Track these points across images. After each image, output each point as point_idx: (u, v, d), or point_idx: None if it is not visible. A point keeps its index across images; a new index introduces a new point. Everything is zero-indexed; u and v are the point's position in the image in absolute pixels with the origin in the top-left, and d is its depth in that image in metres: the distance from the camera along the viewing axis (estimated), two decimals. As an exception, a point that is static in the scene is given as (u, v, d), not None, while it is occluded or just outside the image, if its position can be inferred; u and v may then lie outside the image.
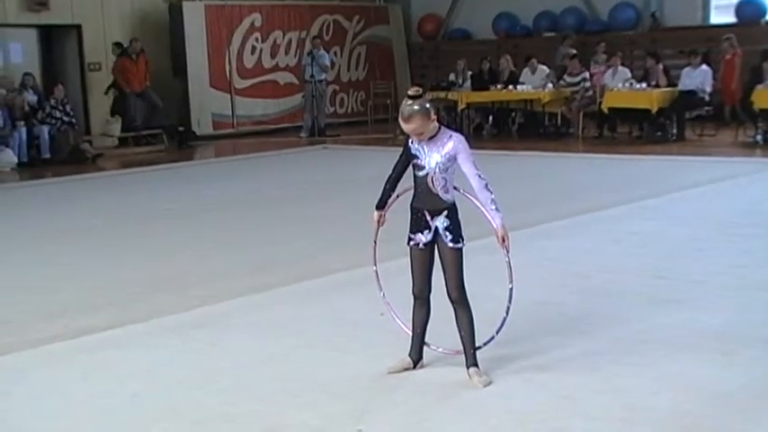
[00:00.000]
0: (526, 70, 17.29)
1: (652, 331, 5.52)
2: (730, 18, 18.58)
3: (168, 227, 9.78)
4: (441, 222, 4.77)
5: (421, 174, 4.76)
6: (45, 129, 15.60)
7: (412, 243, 4.85)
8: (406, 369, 4.96)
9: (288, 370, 5.10)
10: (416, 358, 5.00)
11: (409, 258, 4.90)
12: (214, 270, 7.55)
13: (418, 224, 4.82)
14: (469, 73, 18.28)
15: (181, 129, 17.91)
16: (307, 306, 6.40)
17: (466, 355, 4.82)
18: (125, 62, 17.34)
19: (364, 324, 5.81)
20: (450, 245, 4.76)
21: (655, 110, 15.13)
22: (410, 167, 4.84)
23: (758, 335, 5.41)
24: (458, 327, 4.84)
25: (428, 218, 4.78)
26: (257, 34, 19.72)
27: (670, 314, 5.86)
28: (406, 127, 4.70)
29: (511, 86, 16.90)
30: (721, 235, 8.21)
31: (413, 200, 4.86)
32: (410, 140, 4.79)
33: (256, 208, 10.73)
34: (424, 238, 4.80)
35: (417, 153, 4.76)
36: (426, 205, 4.78)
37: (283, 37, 20.18)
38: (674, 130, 15.54)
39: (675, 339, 5.36)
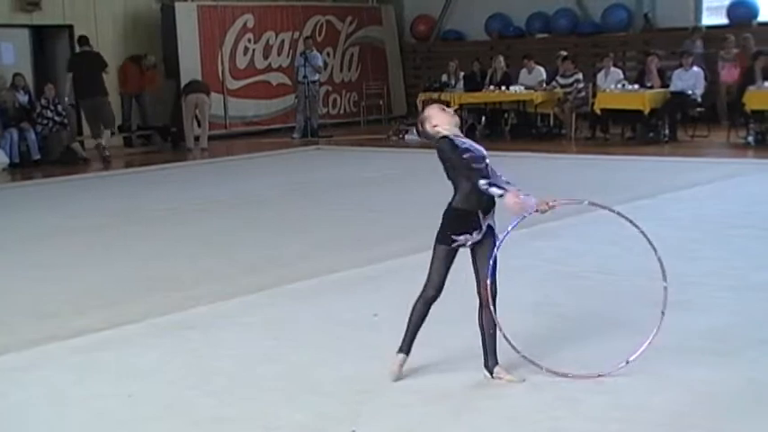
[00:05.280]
0: (524, 70, 17.30)
1: (648, 332, 5.51)
2: (722, 19, 18.60)
3: (161, 227, 9.75)
4: (492, 220, 4.70)
5: (482, 165, 4.65)
6: (32, 130, 15.40)
7: (455, 244, 4.67)
8: (401, 366, 4.84)
9: (282, 370, 5.09)
10: (407, 350, 4.85)
11: (439, 258, 4.70)
12: (207, 271, 7.54)
13: (466, 224, 4.66)
14: (462, 74, 18.29)
15: (173, 130, 17.86)
16: (300, 307, 6.39)
17: (488, 355, 4.77)
18: (131, 68, 17.40)
19: (358, 325, 5.80)
20: (496, 239, 4.69)
21: (647, 111, 15.15)
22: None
23: (755, 336, 5.42)
24: (482, 326, 4.75)
25: (480, 218, 4.69)
26: (250, 35, 19.67)
27: (666, 315, 5.84)
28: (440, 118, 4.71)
29: (503, 87, 16.90)
30: (716, 236, 8.23)
31: (459, 203, 4.69)
32: (451, 139, 4.70)
33: (249, 209, 10.70)
34: (472, 237, 4.68)
35: (469, 147, 4.68)
36: (480, 205, 4.66)
37: (276, 38, 20.13)
38: (667, 132, 15.56)
39: (672, 340, 5.35)
